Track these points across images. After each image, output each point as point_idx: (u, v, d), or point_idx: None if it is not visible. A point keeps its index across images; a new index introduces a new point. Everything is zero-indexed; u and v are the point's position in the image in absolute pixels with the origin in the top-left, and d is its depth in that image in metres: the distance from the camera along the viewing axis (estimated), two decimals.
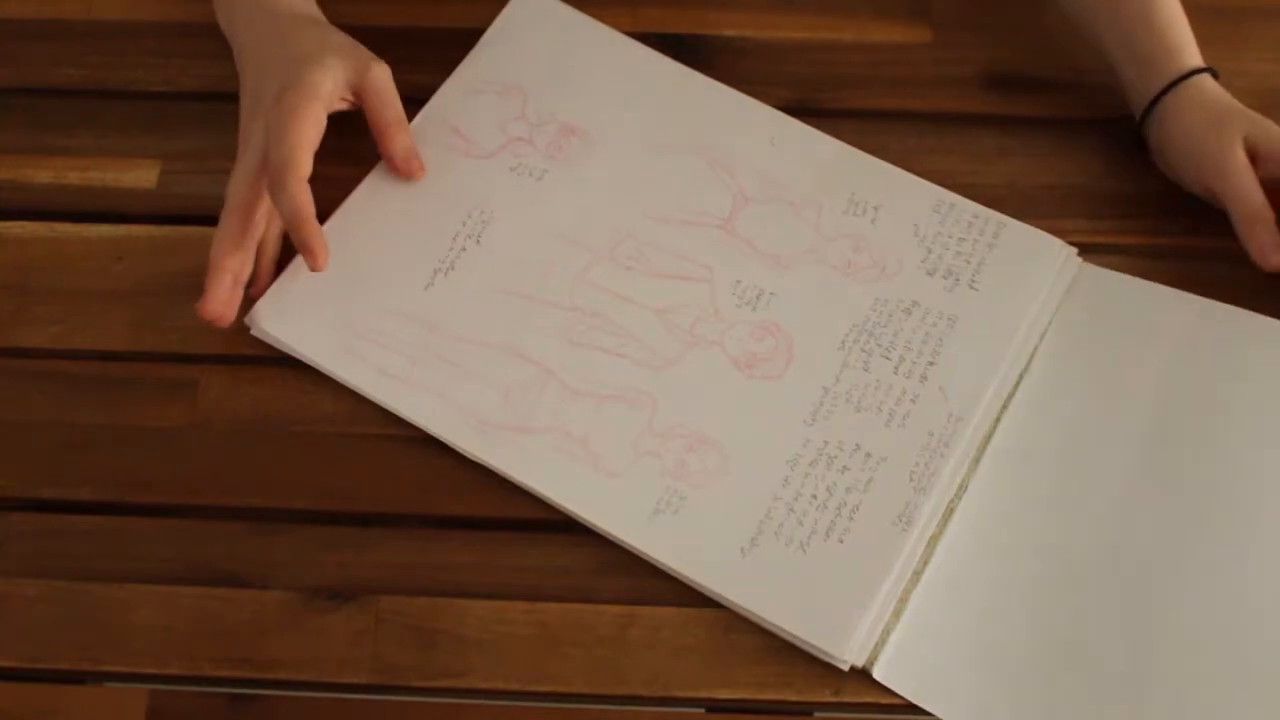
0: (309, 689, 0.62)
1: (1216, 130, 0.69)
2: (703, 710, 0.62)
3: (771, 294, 0.70)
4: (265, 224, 0.69)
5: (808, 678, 0.62)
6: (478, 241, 0.72)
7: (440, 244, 0.71)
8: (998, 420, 0.67)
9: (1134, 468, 0.66)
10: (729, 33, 0.79)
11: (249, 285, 0.69)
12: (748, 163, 0.74)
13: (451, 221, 0.72)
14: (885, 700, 0.61)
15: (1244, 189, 0.68)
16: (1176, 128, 0.71)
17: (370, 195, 0.73)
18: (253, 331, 0.69)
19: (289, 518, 0.66)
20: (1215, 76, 0.72)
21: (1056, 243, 0.71)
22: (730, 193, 0.73)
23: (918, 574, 0.64)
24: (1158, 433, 0.66)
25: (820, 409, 0.67)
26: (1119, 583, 0.63)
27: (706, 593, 0.63)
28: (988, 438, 0.67)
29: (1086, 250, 0.71)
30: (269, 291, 0.70)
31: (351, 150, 0.74)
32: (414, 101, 0.75)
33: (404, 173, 0.72)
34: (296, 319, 0.69)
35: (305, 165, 0.66)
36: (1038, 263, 0.71)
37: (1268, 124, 0.70)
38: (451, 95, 0.76)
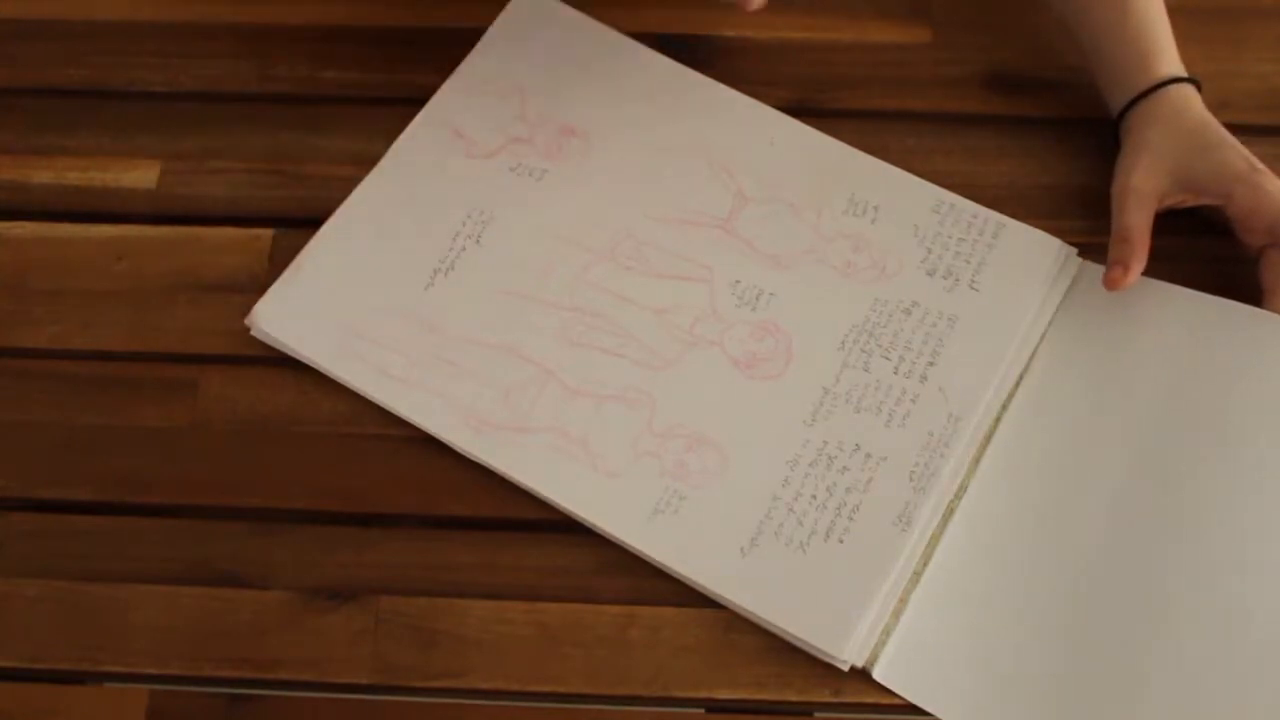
0: (309, 689, 0.62)
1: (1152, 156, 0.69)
2: (703, 710, 0.62)
3: (771, 294, 0.70)
4: None
5: (808, 678, 0.62)
6: (478, 241, 0.72)
7: (440, 244, 0.71)
8: (998, 420, 0.67)
9: (1134, 468, 0.66)
10: (729, 33, 0.79)
11: None
12: (748, 163, 0.74)
13: (451, 221, 0.72)
14: (885, 700, 0.61)
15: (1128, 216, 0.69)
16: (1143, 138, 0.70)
17: (370, 195, 0.73)
18: (253, 331, 0.69)
19: (289, 518, 0.66)
20: (1197, 85, 0.71)
21: (1056, 243, 0.71)
22: (730, 193, 0.73)
23: (918, 574, 0.64)
24: (1158, 432, 0.66)
25: (820, 409, 0.67)
26: (1119, 583, 0.63)
27: (706, 593, 0.63)
28: (988, 438, 0.67)
29: (1086, 250, 0.71)
30: (269, 291, 0.70)
31: (352, 150, 0.74)
32: (414, 101, 0.75)
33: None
34: (296, 319, 0.69)
35: None
36: (1038, 263, 0.71)
37: (1216, 155, 0.69)
38: (451, 95, 0.76)
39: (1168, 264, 0.70)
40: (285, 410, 0.68)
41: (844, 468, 0.66)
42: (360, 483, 0.67)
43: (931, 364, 0.68)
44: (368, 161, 0.73)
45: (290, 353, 0.69)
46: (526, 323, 0.69)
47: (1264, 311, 0.68)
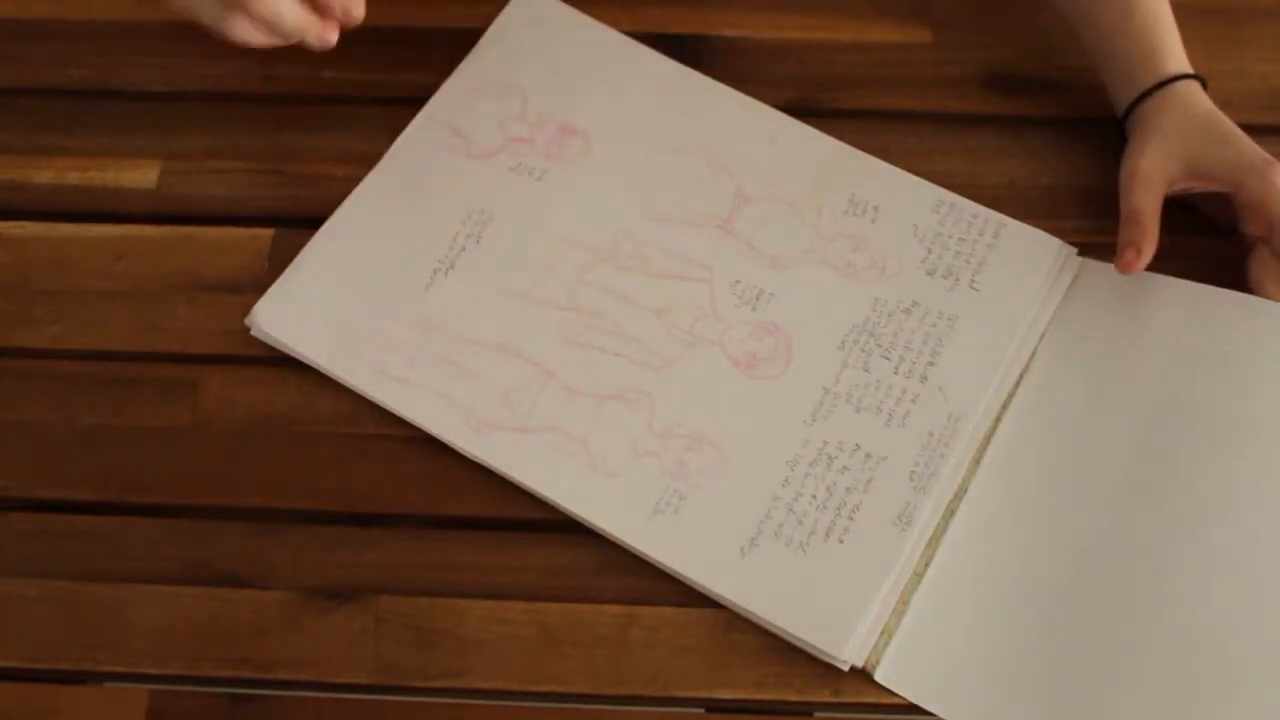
0: (309, 689, 0.62)
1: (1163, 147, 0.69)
2: (702, 710, 0.62)
3: (771, 294, 0.70)
4: None
5: (807, 678, 0.62)
6: (477, 241, 0.72)
7: (440, 244, 0.71)
8: (998, 420, 0.67)
9: (1135, 467, 0.66)
10: (729, 33, 0.79)
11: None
12: (748, 163, 0.74)
13: (451, 221, 0.72)
14: (885, 700, 0.61)
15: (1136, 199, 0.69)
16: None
17: (370, 195, 0.73)
18: (253, 331, 0.69)
19: (289, 518, 0.66)
20: (1202, 82, 0.71)
21: (1056, 242, 0.71)
22: (730, 193, 0.73)
23: (918, 574, 0.64)
24: (1158, 431, 0.66)
25: (820, 409, 0.67)
26: (1120, 582, 0.63)
27: (706, 593, 0.63)
28: (988, 438, 0.67)
29: (1086, 250, 0.71)
30: (269, 291, 0.70)
31: (352, 150, 0.74)
32: (414, 101, 0.75)
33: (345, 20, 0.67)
34: (296, 319, 0.69)
35: None
36: (1038, 263, 0.71)
37: (1220, 146, 0.69)
38: (451, 95, 0.76)
39: (1167, 263, 0.70)
40: (285, 410, 0.68)
41: (844, 468, 0.66)
42: (360, 483, 0.67)
43: (931, 364, 0.68)
44: (368, 161, 0.74)
45: (290, 352, 0.69)
46: (526, 323, 0.69)
47: (1265, 300, 0.68)
